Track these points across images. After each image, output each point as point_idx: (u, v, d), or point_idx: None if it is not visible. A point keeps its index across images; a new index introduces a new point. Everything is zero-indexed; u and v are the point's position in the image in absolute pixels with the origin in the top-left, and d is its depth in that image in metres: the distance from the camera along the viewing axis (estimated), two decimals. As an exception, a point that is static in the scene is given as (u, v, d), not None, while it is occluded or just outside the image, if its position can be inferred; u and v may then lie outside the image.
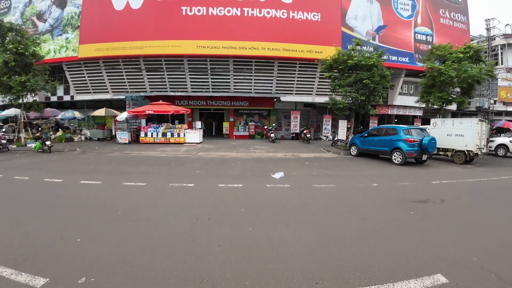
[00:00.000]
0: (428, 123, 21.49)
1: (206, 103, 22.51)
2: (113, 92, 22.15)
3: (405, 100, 24.07)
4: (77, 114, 19.04)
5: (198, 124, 18.12)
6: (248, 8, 20.64)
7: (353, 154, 13.96)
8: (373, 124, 22.00)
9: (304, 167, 10.37)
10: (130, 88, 22.20)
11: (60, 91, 24.85)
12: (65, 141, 18.31)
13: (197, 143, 16.88)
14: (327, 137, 20.60)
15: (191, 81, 21.50)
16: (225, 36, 20.37)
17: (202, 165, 10.40)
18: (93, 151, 14.62)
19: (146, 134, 16.89)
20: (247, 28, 20.56)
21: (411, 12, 24.17)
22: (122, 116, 16.37)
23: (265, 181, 7.79)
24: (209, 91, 21.20)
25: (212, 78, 21.38)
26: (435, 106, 18.27)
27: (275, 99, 21.63)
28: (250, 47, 20.36)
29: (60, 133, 18.87)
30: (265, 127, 21.07)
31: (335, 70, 16.05)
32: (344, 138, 16.15)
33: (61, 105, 24.99)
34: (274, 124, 20.64)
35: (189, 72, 21.26)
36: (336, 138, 17.14)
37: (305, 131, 18.13)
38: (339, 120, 16.70)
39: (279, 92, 21.40)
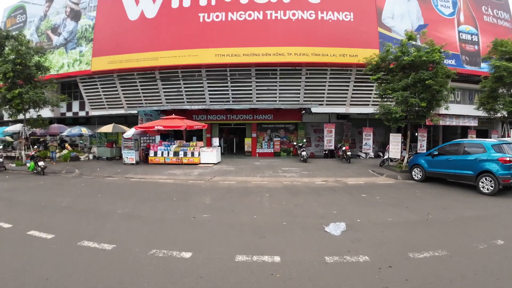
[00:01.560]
0: (483, 135, 17.30)
1: (226, 118, 19.47)
2: (128, 106, 19.72)
3: (451, 108, 19.83)
4: (84, 130, 16.62)
5: (216, 141, 14.90)
6: (271, 10, 17.72)
7: (416, 178, 10.12)
8: (422, 138, 17.89)
9: (365, 205, 6.73)
10: (145, 102, 19.73)
11: (75, 107, 23.05)
12: (70, 160, 15.83)
13: (214, 163, 13.64)
14: (367, 154, 16.75)
15: (209, 93, 18.65)
16: (246, 43, 17.50)
17: (214, 201, 7.04)
18: (91, 174, 11.81)
19: (155, 154, 13.89)
20: (271, 32, 17.59)
21: (453, 10, 20.31)
22: (129, 133, 13.61)
23: (319, 243, 4.29)
24: (229, 103, 18.20)
25: (232, 90, 18.42)
26: (499, 114, 14.39)
27: (304, 111, 18.22)
28: (275, 53, 17.28)
29: (65, 151, 16.45)
30: (294, 143, 17.48)
31: (383, 72, 12.49)
32: (398, 156, 12.31)
33: (76, 121, 23.11)
34: (304, 140, 17.02)
35: (207, 83, 18.45)
36: (385, 157, 13.28)
37: (344, 148, 14.35)
38: (390, 134, 12.89)
39: (307, 102, 17.96)
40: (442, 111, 18.97)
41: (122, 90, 20.06)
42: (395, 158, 13.09)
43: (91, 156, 16.75)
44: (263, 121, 19.13)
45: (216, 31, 17.79)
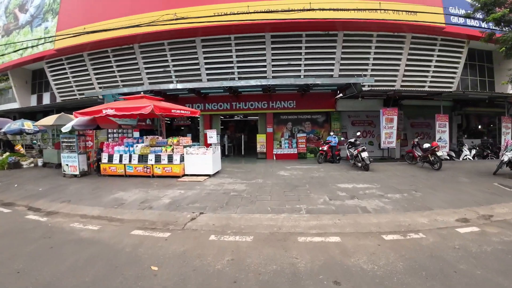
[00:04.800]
0: None
1: (230, 106, 13.33)
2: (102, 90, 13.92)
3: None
4: (27, 125, 10.90)
5: (213, 135, 8.55)
6: (293, -51, 11.55)
7: None
8: (506, 130, 11.68)
9: None
10: (123, 86, 13.88)
11: (46, 99, 17.46)
12: (8, 168, 10.12)
13: (209, 175, 7.50)
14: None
15: (207, 70, 12.63)
16: (258, -5, 11.45)
17: None
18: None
19: (111, 158, 7.87)
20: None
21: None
22: (68, 125, 7.68)
23: None
24: (234, 80, 12.13)
25: (238, 64, 12.33)
26: None
27: (341, 94, 12.03)
28: (300, 8, 11.13)
29: (6, 155, 10.75)
30: (342, 139, 11.00)
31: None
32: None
33: (46, 114, 17.46)
34: (358, 133, 10.46)
35: (204, 56, 12.43)
36: (504, 159, 6.93)
37: (431, 145, 8.05)
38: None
39: (344, 76, 11.66)
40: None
41: (95, 73, 14.29)
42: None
43: (40, 162, 10.96)
44: (282, 110, 12.99)
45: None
